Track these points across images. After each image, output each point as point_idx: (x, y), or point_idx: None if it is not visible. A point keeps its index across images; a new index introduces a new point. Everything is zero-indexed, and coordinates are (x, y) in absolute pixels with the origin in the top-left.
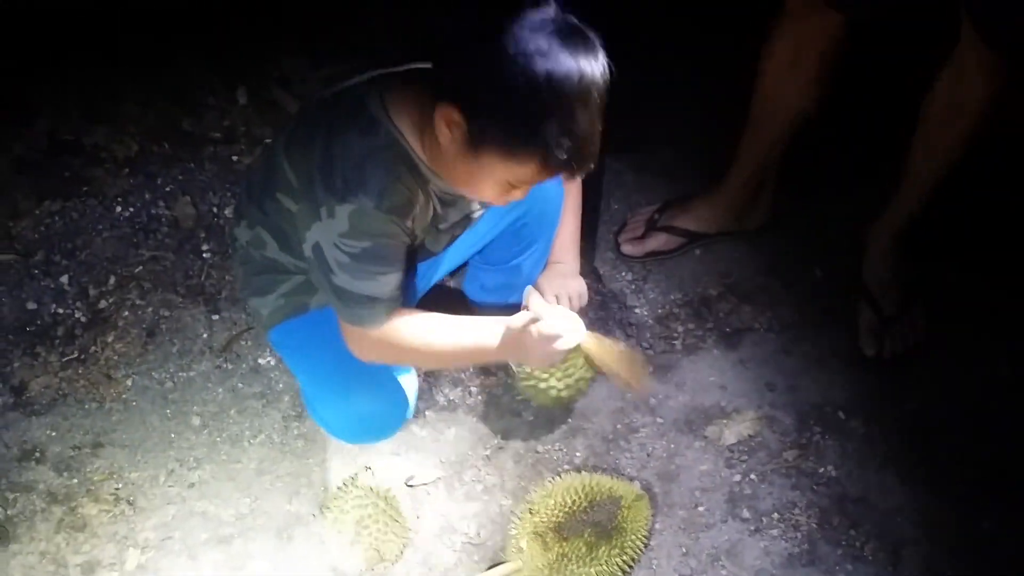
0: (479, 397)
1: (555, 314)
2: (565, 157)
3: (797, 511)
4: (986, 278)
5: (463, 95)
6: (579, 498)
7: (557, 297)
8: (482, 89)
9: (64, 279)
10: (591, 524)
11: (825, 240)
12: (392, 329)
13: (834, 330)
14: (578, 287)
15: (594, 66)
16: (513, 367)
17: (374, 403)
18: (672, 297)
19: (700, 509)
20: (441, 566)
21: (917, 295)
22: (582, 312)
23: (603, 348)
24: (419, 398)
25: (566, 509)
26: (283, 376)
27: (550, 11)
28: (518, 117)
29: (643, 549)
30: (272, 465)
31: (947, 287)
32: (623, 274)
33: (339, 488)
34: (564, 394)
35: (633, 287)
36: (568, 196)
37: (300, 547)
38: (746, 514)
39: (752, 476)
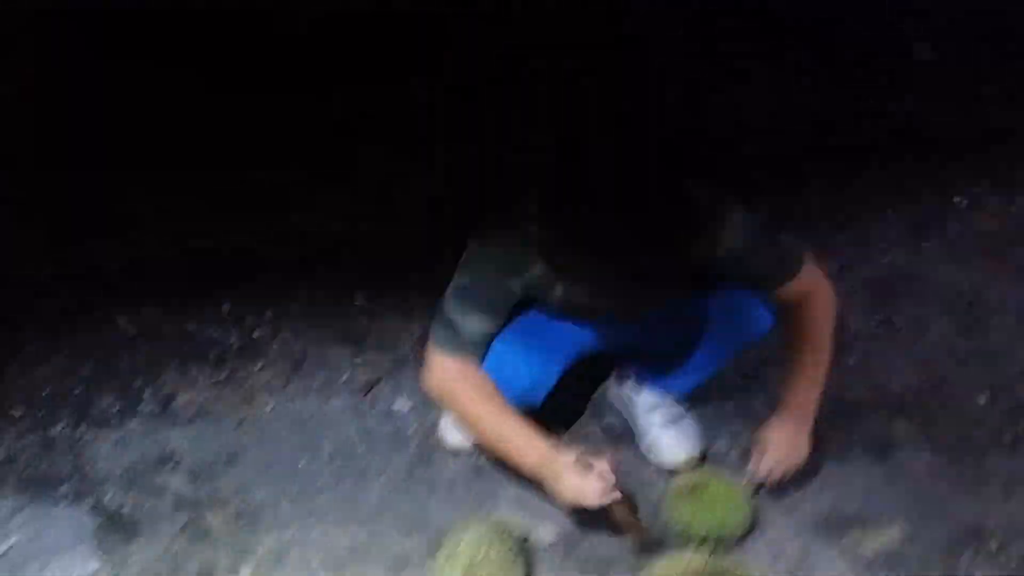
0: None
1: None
2: None
3: None
4: None
5: None
6: None
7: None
8: None
9: (225, 307)
10: None
11: (994, 366)
12: (458, 370)
13: (997, 456)
14: (795, 457)
15: None
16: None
17: (519, 356)
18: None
19: None
20: None
21: None
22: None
23: (623, 516)
24: None
25: None
26: (414, 423)
27: None
28: None
29: None
30: (392, 503)
31: None
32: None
33: (455, 533)
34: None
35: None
36: (805, 345)
37: None
38: None
39: None
